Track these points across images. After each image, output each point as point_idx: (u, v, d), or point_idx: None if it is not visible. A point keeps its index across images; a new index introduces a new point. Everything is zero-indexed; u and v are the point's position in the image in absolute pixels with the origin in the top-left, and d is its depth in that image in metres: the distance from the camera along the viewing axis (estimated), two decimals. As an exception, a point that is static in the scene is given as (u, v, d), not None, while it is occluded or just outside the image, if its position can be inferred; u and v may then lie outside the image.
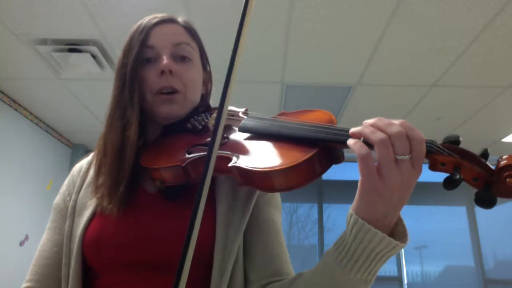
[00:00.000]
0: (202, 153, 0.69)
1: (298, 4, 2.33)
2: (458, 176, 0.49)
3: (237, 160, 0.62)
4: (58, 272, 0.76)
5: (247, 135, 0.68)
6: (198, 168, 0.69)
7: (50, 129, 4.10)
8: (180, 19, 0.86)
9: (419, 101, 3.45)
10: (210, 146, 0.53)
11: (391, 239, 0.54)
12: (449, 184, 0.50)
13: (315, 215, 4.87)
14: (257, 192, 0.78)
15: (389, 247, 0.54)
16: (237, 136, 0.69)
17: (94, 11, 2.40)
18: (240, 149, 0.65)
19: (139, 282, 0.69)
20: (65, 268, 0.75)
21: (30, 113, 3.76)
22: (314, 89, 3.32)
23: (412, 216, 4.52)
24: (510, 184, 0.47)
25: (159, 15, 0.84)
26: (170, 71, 0.78)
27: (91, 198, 0.78)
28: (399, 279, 4.62)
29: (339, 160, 0.60)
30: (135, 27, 0.83)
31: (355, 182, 0.54)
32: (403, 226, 0.57)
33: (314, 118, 0.65)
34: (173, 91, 0.79)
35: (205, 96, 0.91)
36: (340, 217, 4.82)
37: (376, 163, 0.51)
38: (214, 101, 0.89)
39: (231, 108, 0.79)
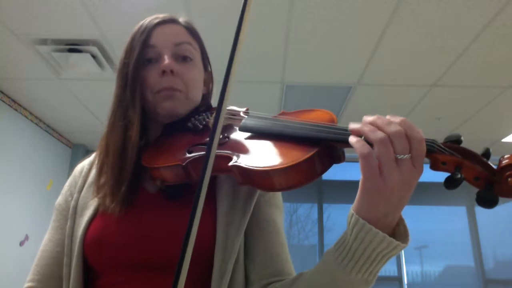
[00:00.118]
0: (202, 153, 0.68)
1: (298, 4, 2.33)
2: (459, 176, 0.49)
3: (237, 159, 0.62)
4: (60, 272, 0.76)
5: (248, 134, 0.68)
6: (198, 168, 0.69)
7: (50, 129, 4.10)
8: (181, 20, 0.86)
9: (419, 101, 3.45)
10: (209, 145, 0.53)
11: (392, 239, 0.53)
12: (450, 183, 0.49)
13: (315, 215, 4.87)
14: (258, 192, 0.78)
15: (390, 247, 0.54)
16: (238, 135, 0.69)
17: (94, 11, 2.40)
18: (241, 149, 0.65)
19: (140, 282, 0.69)
20: (66, 268, 0.75)
21: (30, 113, 3.76)
22: (314, 89, 3.32)
23: (413, 216, 4.52)
24: None
25: (161, 16, 0.84)
26: (172, 71, 0.78)
27: (92, 198, 0.78)
28: (399, 279, 4.62)
29: (339, 160, 0.60)
30: (136, 27, 0.83)
31: (356, 182, 0.54)
32: (405, 226, 0.57)
33: (315, 117, 0.65)
34: (174, 90, 0.79)
35: (206, 96, 0.91)
36: (340, 217, 4.82)
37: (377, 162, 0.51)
38: (215, 101, 0.89)
39: (232, 107, 0.79)
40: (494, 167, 0.50)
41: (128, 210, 0.73)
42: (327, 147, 0.58)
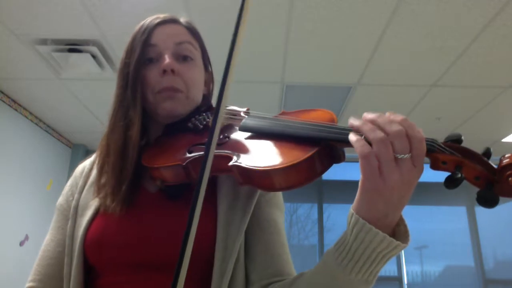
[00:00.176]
0: (203, 153, 0.68)
1: (298, 4, 2.33)
2: (459, 175, 0.49)
3: (237, 159, 0.62)
4: (62, 272, 0.76)
5: (248, 134, 0.68)
6: (198, 168, 0.68)
7: (50, 129, 4.10)
8: (182, 19, 0.86)
9: (419, 101, 3.45)
10: (207, 145, 0.53)
11: (392, 239, 0.53)
12: (450, 183, 0.49)
13: (315, 215, 4.87)
14: (259, 192, 0.78)
15: (390, 248, 0.54)
16: (238, 135, 0.69)
17: (94, 11, 2.40)
18: (241, 148, 0.65)
19: (141, 282, 0.70)
20: (67, 267, 0.75)
21: (30, 113, 3.76)
22: (314, 89, 3.32)
23: (413, 216, 4.52)
24: None
25: (161, 16, 0.84)
26: (172, 71, 0.78)
27: (93, 198, 0.78)
28: (399, 279, 4.62)
29: (340, 159, 0.60)
30: (137, 27, 0.83)
31: (355, 182, 0.53)
32: (405, 226, 0.57)
33: (315, 117, 0.65)
34: (175, 90, 0.79)
35: (207, 96, 0.91)
36: (340, 217, 4.82)
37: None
38: (215, 101, 0.89)
39: (232, 107, 0.79)
40: (495, 166, 0.50)
41: (128, 210, 0.73)
42: (327, 146, 0.58)
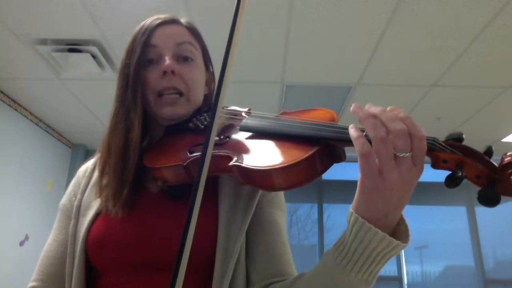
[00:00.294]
0: None
1: (298, 4, 2.33)
2: (460, 174, 0.48)
3: (237, 159, 0.62)
4: (64, 272, 0.76)
5: (249, 134, 0.68)
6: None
7: (50, 129, 4.10)
8: (183, 20, 0.86)
9: (419, 101, 3.45)
10: (204, 145, 0.53)
11: (391, 238, 0.53)
12: (451, 181, 0.49)
13: (315, 215, 4.87)
14: (260, 192, 0.78)
15: (389, 247, 0.53)
16: (239, 135, 0.69)
17: (94, 11, 2.40)
18: (241, 148, 0.65)
19: (142, 282, 0.70)
20: (69, 267, 0.75)
21: (30, 113, 3.76)
22: (314, 89, 3.32)
23: (413, 216, 4.51)
24: None
25: (162, 16, 0.84)
26: (173, 72, 0.78)
27: (95, 199, 0.79)
28: (399, 279, 4.62)
29: (340, 159, 0.60)
30: (138, 28, 0.83)
31: (356, 182, 0.53)
32: (405, 226, 0.56)
33: (316, 116, 0.65)
34: (176, 92, 0.79)
35: (208, 96, 0.91)
36: (340, 217, 4.81)
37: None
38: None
39: (234, 108, 0.79)
40: (496, 165, 0.49)
41: (130, 211, 0.73)
42: (327, 146, 0.58)
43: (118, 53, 2.78)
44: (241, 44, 2.47)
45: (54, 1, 2.31)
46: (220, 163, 0.64)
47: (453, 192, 4.52)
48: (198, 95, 0.85)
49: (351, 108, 0.53)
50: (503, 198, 0.49)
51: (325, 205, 4.90)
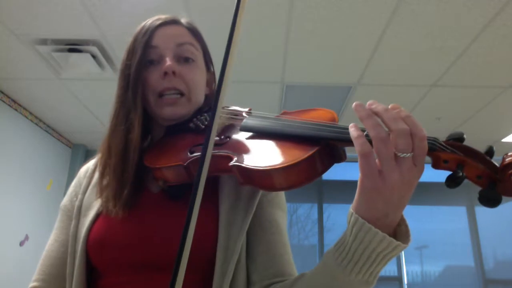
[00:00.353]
0: None
1: (298, 4, 2.33)
2: (461, 174, 0.48)
3: (238, 159, 0.62)
4: (65, 272, 0.76)
5: (249, 134, 0.68)
6: None
7: (50, 129, 4.10)
8: (183, 20, 0.86)
9: (419, 101, 3.45)
10: (205, 145, 0.53)
11: (392, 239, 0.52)
12: (451, 181, 0.48)
13: (315, 215, 4.87)
14: (260, 192, 0.78)
15: (390, 248, 0.53)
16: (239, 135, 0.69)
17: (94, 11, 2.40)
18: (241, 148, 0.65)
19: (142, 282, 0.70)
20: (69, 267, 0.75)
21: (30, 113, 3.76)
22: (314, 89, 3.32)
23: (413, 216, 4.51)
24: None
25: (163, 17, 0.84)
26: (173, 72, 0.78)
27: (96, 199, 0.79)
28: (399, 279, 4.62)
29: (341, 159, 0.60)
30: (138, 28, 0.83)
31: (356, 182, 0.52)
32: (406, 226, 0.56)
33: (316, 116, 0.65)
34: (176, 93, 0.79)
35: (209, 97, 0.91)
36: (340, 217, 4.81)
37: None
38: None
39: (235, 108, 0.79)
40: (497, 165, 0.49)
41: (131, 211, 0.73)
42: (327, 146, 0.58)
43: (118, 53, 2.78)
44: (241, 44, 2.47)
45: (54, 1, 2.31)
46: (220, 163, 0.64)
47: (453, 192, 4.51)
48: (199, 95, 0.85)
49: (353, 105, 0.53)
50: (503, 198, 0.49)
51: (325, 205, 4.90)
